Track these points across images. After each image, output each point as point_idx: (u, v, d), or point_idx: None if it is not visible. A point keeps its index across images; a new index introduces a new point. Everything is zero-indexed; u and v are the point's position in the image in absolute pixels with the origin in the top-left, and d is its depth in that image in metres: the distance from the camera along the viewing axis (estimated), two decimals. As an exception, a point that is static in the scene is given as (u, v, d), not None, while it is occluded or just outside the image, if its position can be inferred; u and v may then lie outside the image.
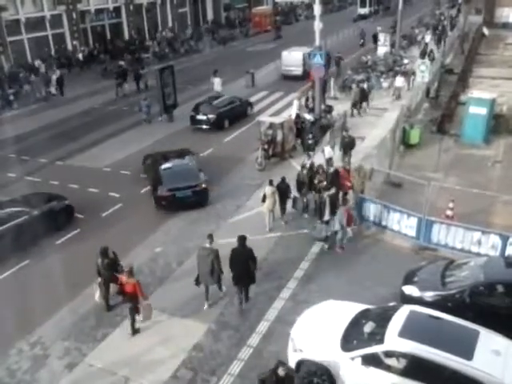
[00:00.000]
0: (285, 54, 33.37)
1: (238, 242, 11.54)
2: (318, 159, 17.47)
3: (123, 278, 11.04)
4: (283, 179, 15.26)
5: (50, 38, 37.73)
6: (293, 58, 32.43)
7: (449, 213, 14.21)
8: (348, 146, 18.42)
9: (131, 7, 44.02)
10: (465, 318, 9.47)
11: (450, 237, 13.40)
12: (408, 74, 27.87)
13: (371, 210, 14.84)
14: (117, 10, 42.99)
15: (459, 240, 13.28)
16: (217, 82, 28.68)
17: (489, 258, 12.00)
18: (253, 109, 26.74)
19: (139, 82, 32.08)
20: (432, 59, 32.02)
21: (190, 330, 11.23)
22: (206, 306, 12.01)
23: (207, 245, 11.63)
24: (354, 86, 26.10)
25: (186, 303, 12.05)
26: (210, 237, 11.70)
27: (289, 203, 15.43)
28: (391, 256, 13.55)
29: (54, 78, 31.54)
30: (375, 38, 38.83)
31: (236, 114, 24.99)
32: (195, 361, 10.40)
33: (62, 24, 38.19)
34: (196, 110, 24.41)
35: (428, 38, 38.90)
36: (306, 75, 30.10)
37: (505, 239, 12.59)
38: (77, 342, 10.99)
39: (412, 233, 14.01)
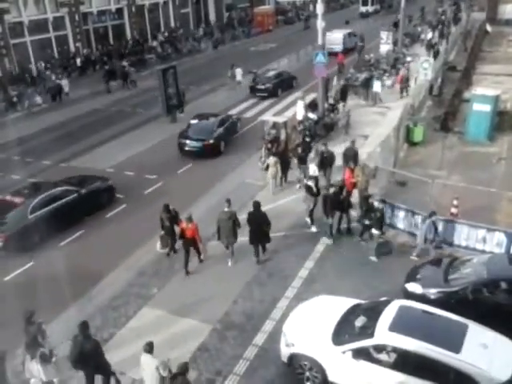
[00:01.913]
0: (328, 34, 37.38)
1: (254, 206, 13.24)
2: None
3: (183, 223, 12.84)
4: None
5: (53, 40, 37.81)
6: (335, 38, 38.28)
7: (453, 210, 14.16)
8: (327, 162, 17.05)
9: (133, 8, 44.05)
10: (468, 314, 9.51)
11: (454, 234, 13.37)
12: (403, 78, 27.03)
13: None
14: (119, 11, 43.03)
15: (464, 238, 13.25)
16: (239, 73, 31.40)
17: (492, 255, 11.98)
18: (298, 82, 30.55)
19: (126, 81, 33.07)
20: (437, 52, 32.43)
21: (196, 329, 11.24)
22: (230, 263, 13.46)
23: (226, 209, 13.15)
24: (334, 83, 26.05)
25: (191, 303, 12.05)
26: (228, 201, 13.24)
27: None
28: (396, 254, 13.54)
29: (64, 82, 31.49)
30: (396, 25, 41.31)
31: (285, 84, 30.11)
32: (200, 361, 10.40)
33: (64, 26, 38.26)
34: (255, 81, 29.68)
35: (429, 35, 39.00)
36: (345, 51, 36.71)
37: (510, 236, 12.55)
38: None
39: (417, 231, 13.97)
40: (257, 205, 13.26)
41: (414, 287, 11.28)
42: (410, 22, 50.25)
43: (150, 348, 8.94)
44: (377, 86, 26.25)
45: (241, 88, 31.03)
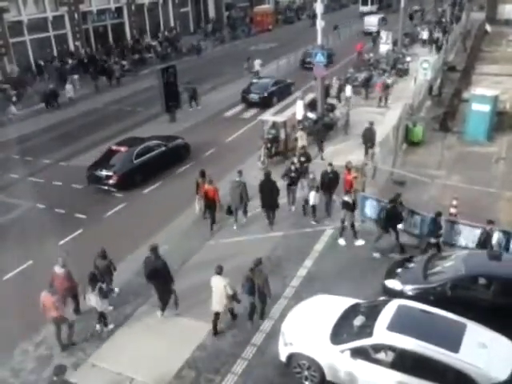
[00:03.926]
0: (366, 18, 49.14)
1: (265, 175, 15.00)
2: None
3: (205, 185, 14.83)
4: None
5: (53, 39, 37.76)
6: (371, 21, 47.85)
7: (452, 210, 14.17)
8: (332, 184, 15.43)
9: (133, 7, 44.00)
10: (446, 311, 9.56)
11: (453, 234, 13.37)
12: (383, 85, 26.16)
13: (373, 207, 14.83)
14: (119, 10, 42.96)
15: (463, 237, 13.25)
16: (257, 63, 33.65)
17: (470, 251, 11.98)
18: (335, 56, 36.04)
19: (111, 78, 33.81)
20: (440, 45, 33.59)
21: (194, 329, 11.24)
22: (235, 227, 15.15)
23: (237, 178, 15.00)
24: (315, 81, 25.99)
25: (190, 303, 12.00)
26: (240, 172, 15.20)
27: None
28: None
29: (69, 87, 30.52)
30: (411, 17, 49.99)
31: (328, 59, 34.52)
32: (199, 360, 10.41)
33: (64, 25, 38.20)
34: (304, 55, 35.66)
35: (425, 34, 39.61)
36: (379, 32, 41.19)
37: (509, 236, 12.54)
38: (82, 343, 11.00)
39: (416, 230, 13.99)
40: (268, 174, 15.04)
41: (393, 284, 11.40)
42: (422, 14, 51.70)
43: (219, 270, 10.63)
44: (348, 90, 25.89)
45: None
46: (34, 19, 35.96)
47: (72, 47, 38.84)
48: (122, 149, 18.88)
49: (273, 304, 11.90)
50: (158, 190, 18.34)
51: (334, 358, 9.24)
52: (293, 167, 15.82)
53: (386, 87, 26.09)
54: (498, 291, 10.40)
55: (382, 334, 8.98)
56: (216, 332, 10.98)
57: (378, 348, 8.93)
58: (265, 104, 27.15)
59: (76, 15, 38.65)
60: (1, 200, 17.87)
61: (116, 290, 12.35)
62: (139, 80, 34.50)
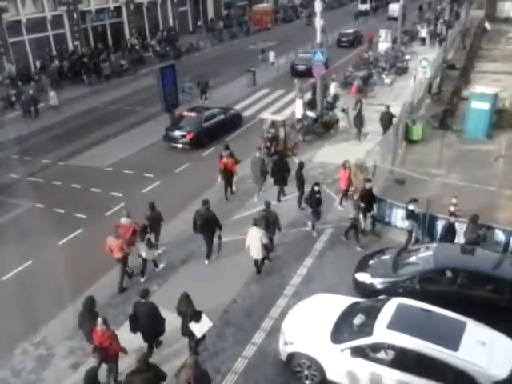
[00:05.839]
0: (391, 5, 53.80)
1: (278, 156, 17.24)
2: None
3: (224, 159, 16.53)
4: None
5: (51, 38, 37.70)
6: (395, 7, 49.12)
7: (452, 209, 14.15)
8: (371, 202, 14.20)
9: (132, 6, 43.94)
10: None
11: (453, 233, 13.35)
12: (357, 88, 26.14)
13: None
14: (117, 9, 42.90)
15: (463, 236, 13.21)
16: (271, 55, 37.03)
17: (439, 244, 11.97)
18: (363, 37, 41.86)
19: (100, 75, 34.56)
20: (442, 40, 33.95)
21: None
22: (256, 199, 16.61)
23: (257, 154, 16.62)
24: (297, 81, 25.99)
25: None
26: (259, 149, 17.09)
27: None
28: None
29: (52, 94, 28.24)
30: (421, 8, 53.93)
31: (358, 39, 42.73)
32: (199, 359, 10.37)
33: (63, 24, 38.15)
34: (340, 35, 42.70)
35: (424, 32, 39.68)
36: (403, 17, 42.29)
37: (509, 234, 12.55)
38: (81, 342, 10.95)
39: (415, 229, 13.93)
40: (280, 155, 17.21)
41: (363, 277, 11.50)
42: (429, 7, 54.90)
43: (255, 222, 12.40)
44: (332, 88, 25.73)
45: (273, 68, 35.94)
46: (33, 19, 35.90)
47: (71, 47, 38.78)
48: (193, 114, 22.73)
49: (273, 303, 11.93)
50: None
51: (335, 357, 9.26)
52: (316, 188, 14.31)
53: (360, 90, 25.83)
54: (466, 284, 10.50)
55: (381, 332, 8.99)
56: (259, 271, 12.85)
57: (378, 347, 8.95)
58: (310, 73, 28.27)
59: (75, 15, 38.59)
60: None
61: (159, 250, 13.77)
62: (138, 79, 34.46)
